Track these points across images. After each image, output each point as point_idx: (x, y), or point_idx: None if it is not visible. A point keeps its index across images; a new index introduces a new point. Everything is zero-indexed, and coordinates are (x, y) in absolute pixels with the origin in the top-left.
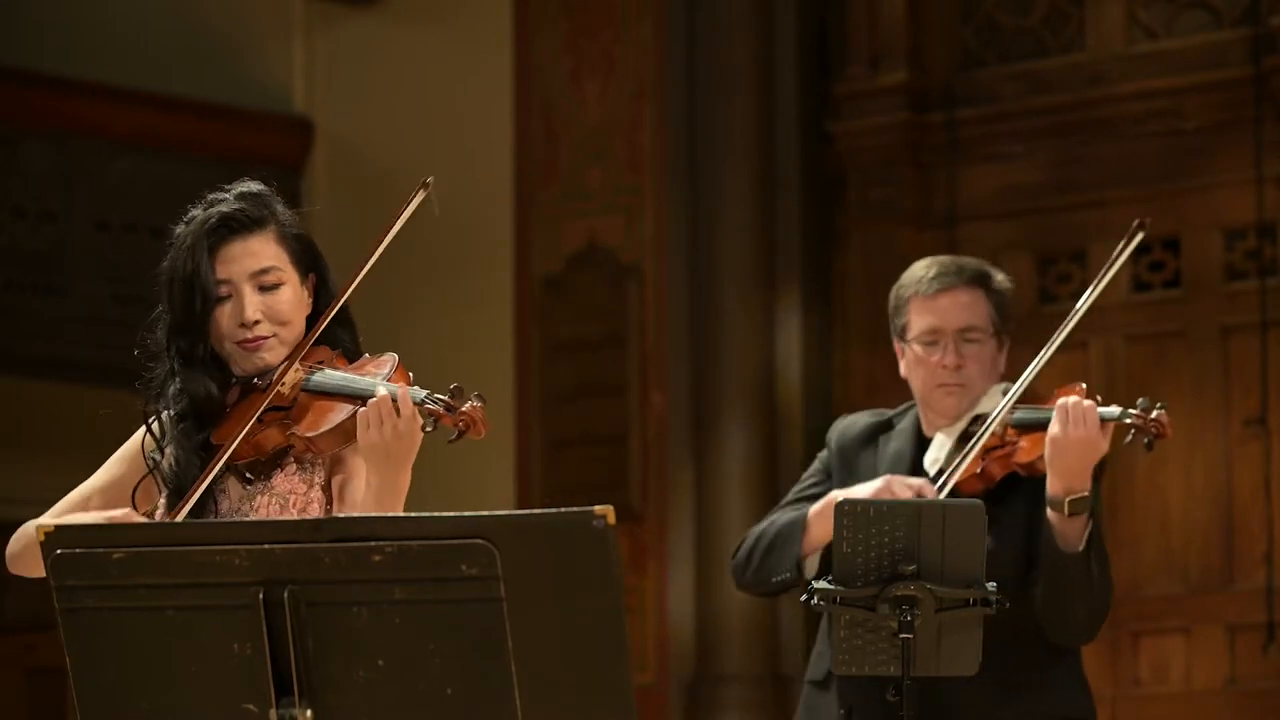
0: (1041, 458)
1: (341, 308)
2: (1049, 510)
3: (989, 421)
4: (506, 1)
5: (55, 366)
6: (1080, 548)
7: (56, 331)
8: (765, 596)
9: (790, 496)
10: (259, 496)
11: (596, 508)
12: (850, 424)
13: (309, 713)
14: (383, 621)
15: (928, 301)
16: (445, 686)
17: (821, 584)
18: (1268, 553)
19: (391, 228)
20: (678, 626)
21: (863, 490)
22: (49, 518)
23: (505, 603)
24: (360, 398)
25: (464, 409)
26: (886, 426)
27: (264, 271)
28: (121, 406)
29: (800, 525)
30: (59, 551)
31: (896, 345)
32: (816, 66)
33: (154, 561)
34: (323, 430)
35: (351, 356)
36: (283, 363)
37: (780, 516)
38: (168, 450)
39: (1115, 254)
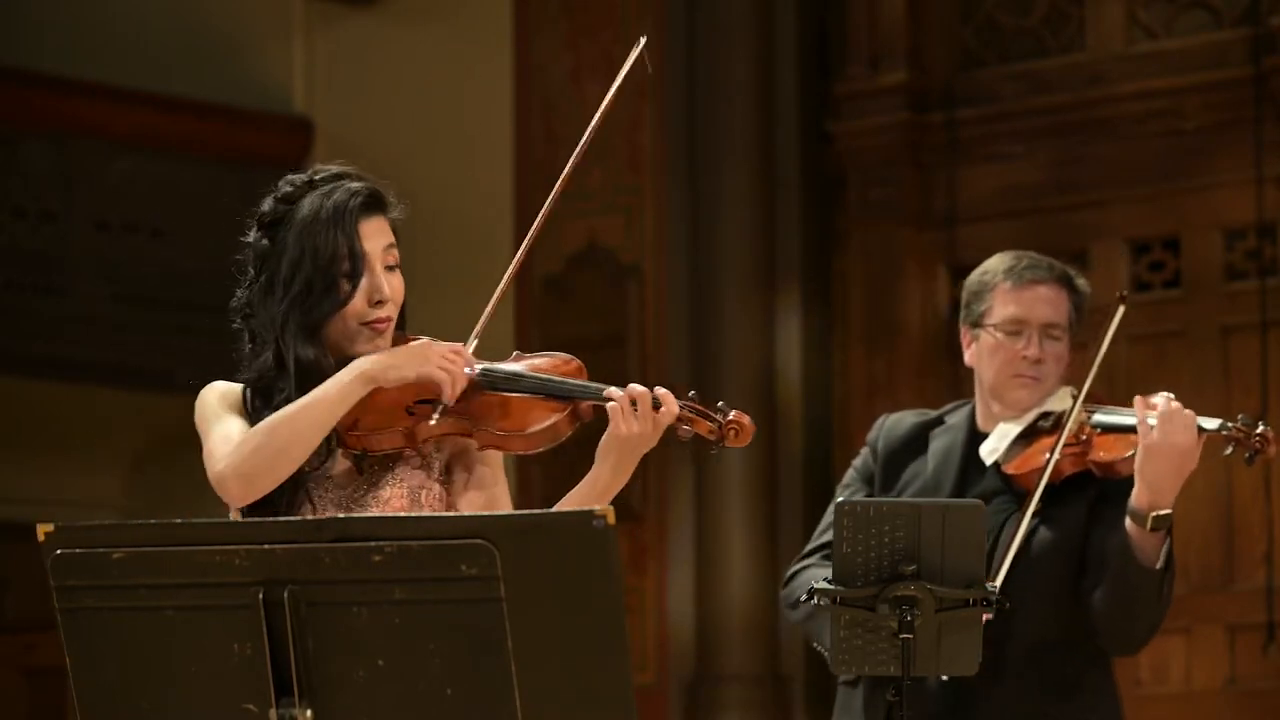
0: (1124, 459)
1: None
2: (1129, 521)
3: (1067, 416)
4: (506, 1)
5: (55, 366)
6: (1159, 565)
7: (56, 331)
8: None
9: (830, 510)
10: (388, 488)
11: (596, 508)
12: (895, 424)
13: (309, 713)
14: (383, 621)
15: (1017, 291)
16: (445, 686)
17: (821, 584)
18: (1268, 553)
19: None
20: (678, 626)
21: None
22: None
23: (505, 603)
24: (568, 397)
25: (731, 415)
26: (936, 423)
27: (391, 248)
28: (121, 406)
29: None
30: (59, 551)
31: (965, 332)
32: (816, 66)
33: (154, 561)
34: (536, 429)
35: None
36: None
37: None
38: None
39: (1105, 331)
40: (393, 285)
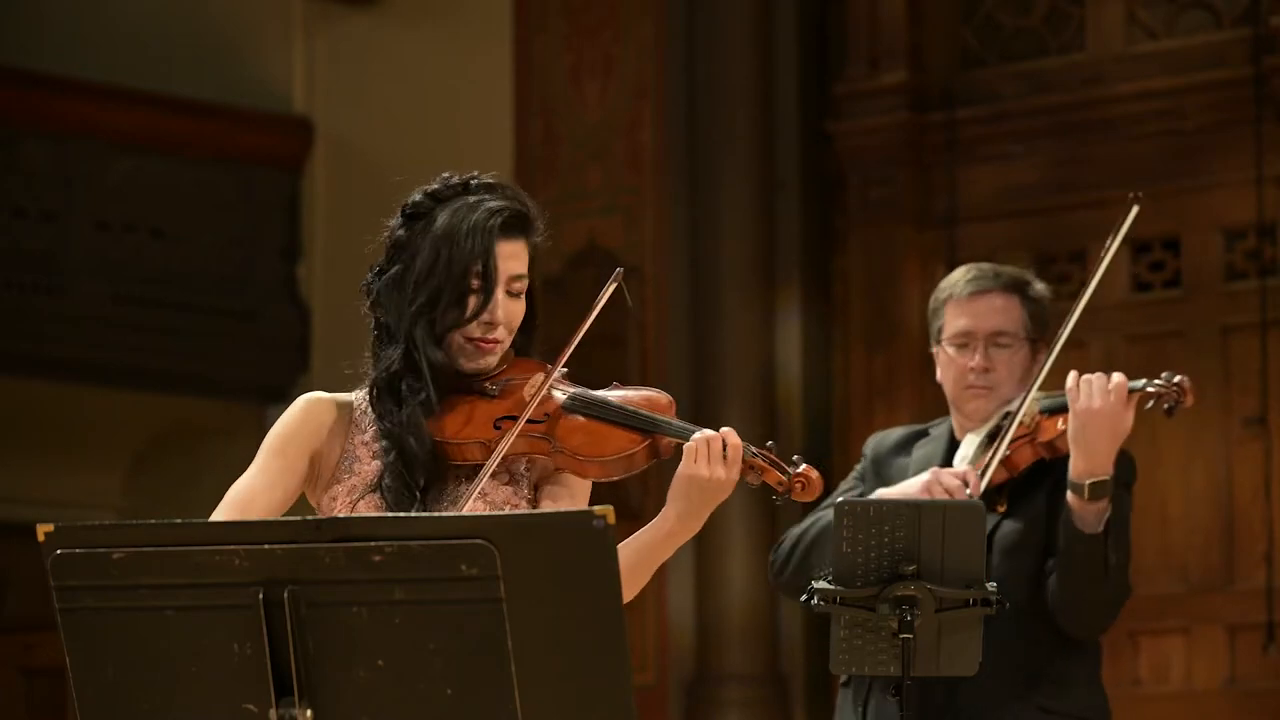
0: (1062, 435)
1: (536, 314)
2: (1069, 493)
3: (1019, 408)
4: (506, 2)
5: (56, 366)
6: (1098, 530)
7: (56, 331)
8: (801, 599)
9: (826, 502)
10: (474, 501)
11: (596, 508)
12: (886, 435)
13: (309, 713)
14: (383, 621)
15: (962, 304)
16: (445, 686)
17: (821, 584)
18: (1268, 553)
19: (587, 318)
20: (678, 626)
21: (910, 485)
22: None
23: (505, 603)
24: (650, 430)
25: (801, 469)
26: (922, 434)
27: (519, 278)
28: (121, 406)
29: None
30: (59, 551)
31: (934, 350)
32: (816, 66)
33: (154, 561)
34: (612, 458)
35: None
36: (502, 373)
37: (823, 515)
38: (381, 411)
39: (1114, 232)
40: (509, 310)
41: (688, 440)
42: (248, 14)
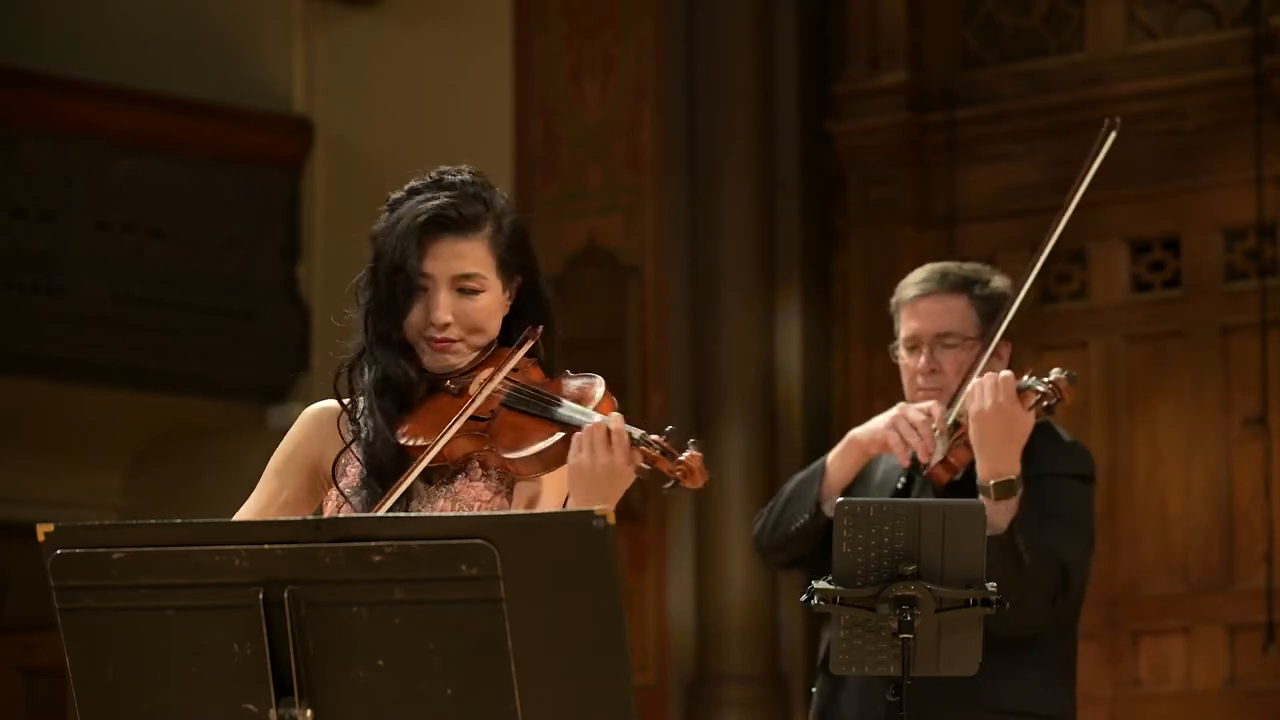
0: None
1: (546, 312)
2: (980, 496)
3: (958, 401)
4: (506, 2)
5: (55, 366)
6: (1002, 529)
7: (56, 331)
8: (785, 563)
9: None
10: (440, 500)
11: (596, 508)
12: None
13: (309, 713)
14: (383, 621)
15: (908, 307)
16: (445, 686)
17: (821, 584)
18: (1268, 553)
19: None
20: (678, 626)
21: (877, 421)
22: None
23: (505, 603)
24: (568, 425)
25: (683, 457)
26: None
27: (466, 277)
28: (121, 406)
29: (819, 470)
30: (59, 551)
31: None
32: (816, 66)
33: (154, 561)
34: (527, 454)
35: (547, 368)
36: (475, 370)
37: (796, 475)
38: (361, 418)
39: (1091, 157)
40: (459, 309)
41: (579, 430)
42: (248, 14)
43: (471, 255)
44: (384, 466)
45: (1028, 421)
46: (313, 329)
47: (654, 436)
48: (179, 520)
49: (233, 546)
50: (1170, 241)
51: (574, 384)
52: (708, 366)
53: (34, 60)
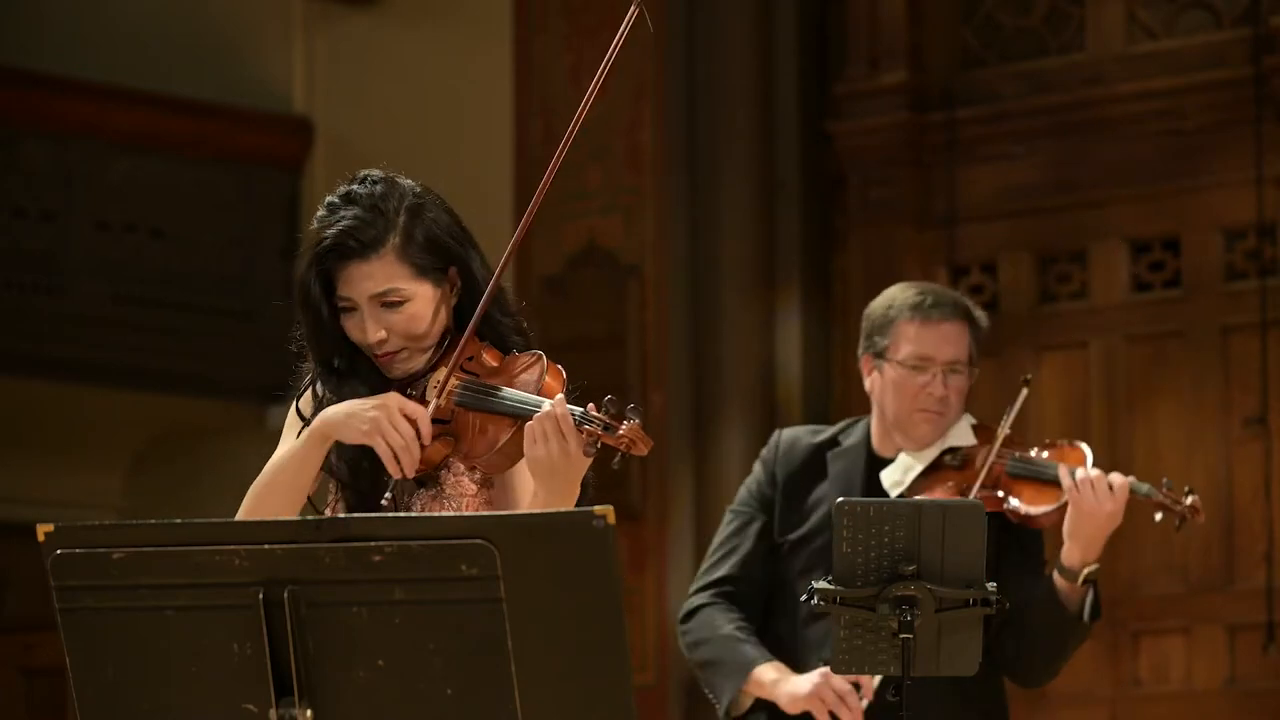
0: (1045, 513)
1: (485, 287)
2: (1058, 576)
3: (988, 461)
4: (506, 2)
5: (55, 366)
6: (1085, 616)
7: (56, 331)
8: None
9: (726, 533)
10: (430, 502)
11: (596, 508)
12: (791, 447)
13: (309, 713)
14: (383, 621)
15: (923, 329)
16: (445, 686)
17: (822, 584)
18: (1268, 553)
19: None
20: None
21: (800, 686)
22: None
23: (505, 603)
24: (519, 416)
25: (622, 430)
26: (832, 444)
27: (382, 294)
28: (121, 406)
29: (745, 673)
30: (59, 551)
31: (866, 361)
32: (816, 66)
33: (154, 561)
34: (490, 453)
35: (501, 345)
36: (430, 374)
37: (734, 643)
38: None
39: (1011, 410)
40: (391, 322)
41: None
42: (248, 14)
43: (381, 273)
44: (360, 486)
45: (1121, 518)
46: None
47: (594, 413)
48: (179, 520)
49: (233, 546)
50: (1170, 241)
51: (520, 367)
52: (708, 366)
53: (34, 60)
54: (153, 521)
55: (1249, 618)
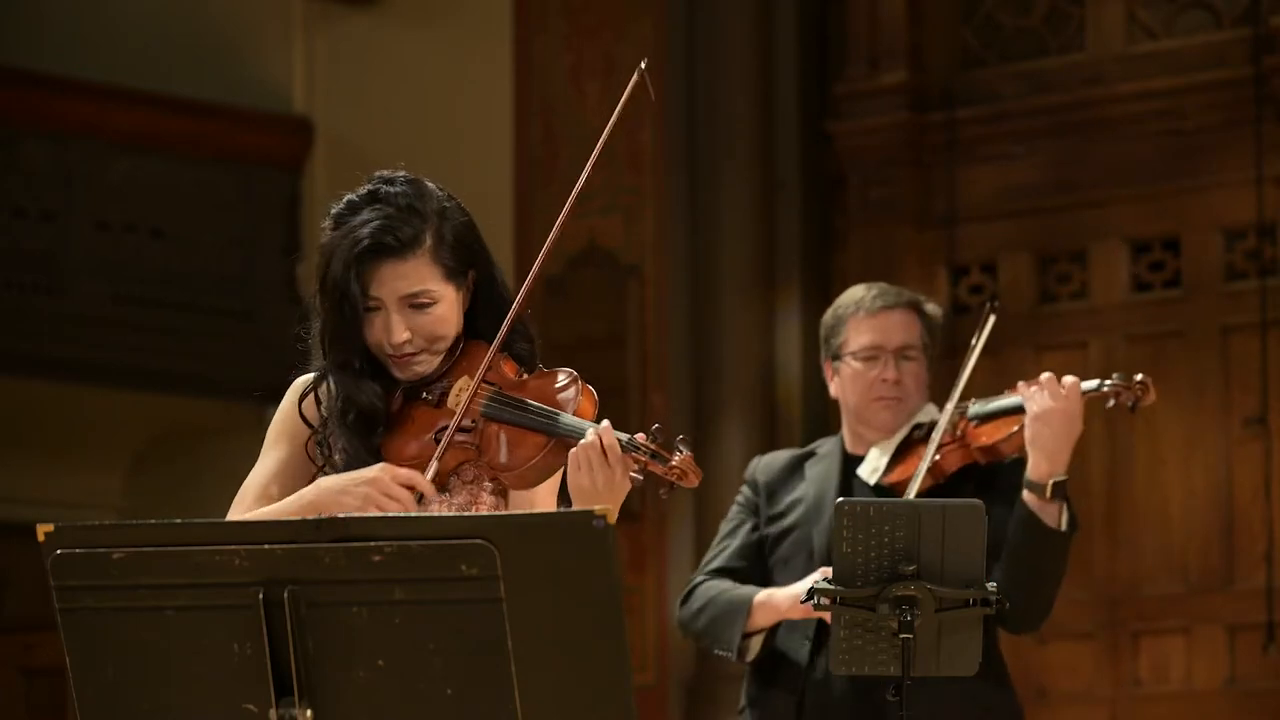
0: (1006, 438)
1: (505, 300)
2: (1026, 494)
3: (944, 415)
4: (506, 2)
5: (55, 366)
6: (1063, 528)
7: (56, 331)
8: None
9: (719, 537)
10: (433, 506)
11: (596, 508)
12: (771, 460)
13: (309, 713)
14: (383, 621)
15: (870, 319)
16: (445, 686)
17: (821, 584)
18: (1268, 553)
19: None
20: (678, 626)
21: (797, 587)
22: (239, 510)
23: (505, 603)
24: (553, 435)
25: (675, 461)
26: (809, 455)
27: (414, 295)
28: (121, 406)
29: (744, 610)
30: (59, 551)
31: (827, 367)
32: (816, 66)
33: (154, 561)
34: (523, 468)
35: (524, 361)
36: (447, 375)
37: (729, 591)
38: (335, 440)
39: (981, 333)
40: (417, 323)
41: (579, 441)
42: (248, 14)
43: (415, 274)
44: None
45: (1081, 426)
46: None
47: (641, 440)
48: (179, 520)
49: (233, 546)
50: (1170, 241)
51: (549, 383)
52: (708, 366)
53: (34, 60)
54: (153, 521)
55: (1249, 618)
